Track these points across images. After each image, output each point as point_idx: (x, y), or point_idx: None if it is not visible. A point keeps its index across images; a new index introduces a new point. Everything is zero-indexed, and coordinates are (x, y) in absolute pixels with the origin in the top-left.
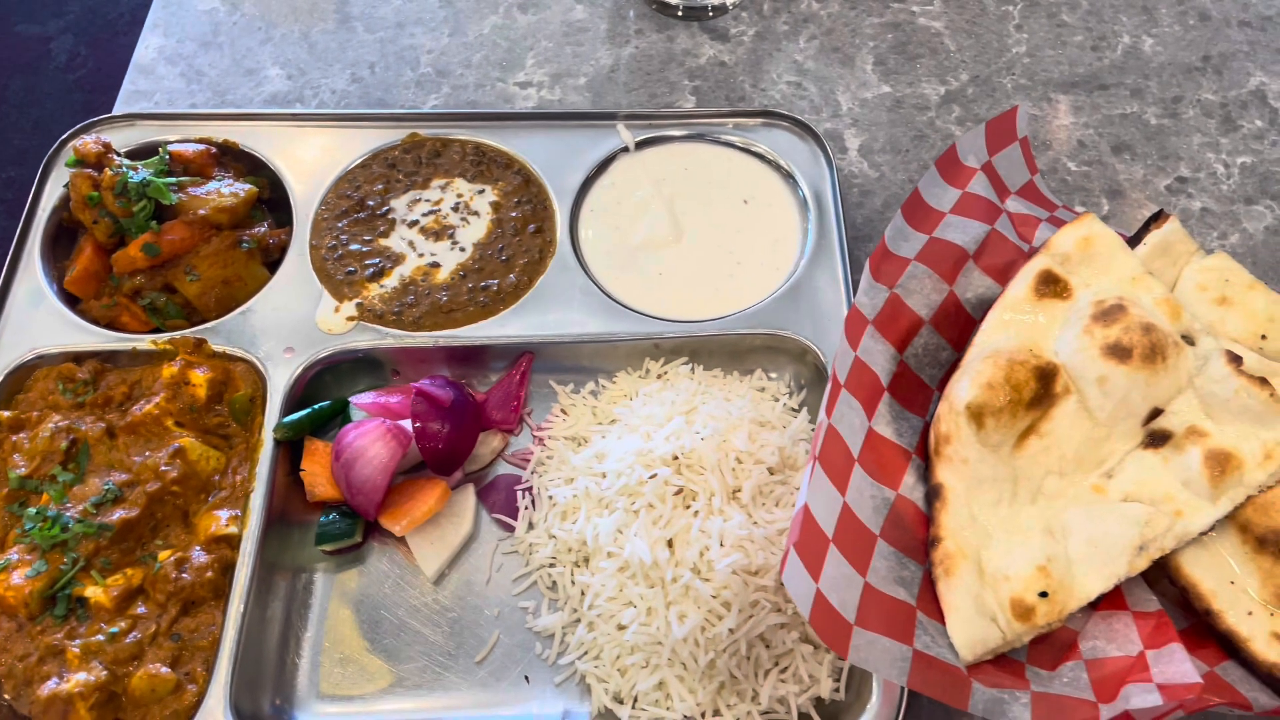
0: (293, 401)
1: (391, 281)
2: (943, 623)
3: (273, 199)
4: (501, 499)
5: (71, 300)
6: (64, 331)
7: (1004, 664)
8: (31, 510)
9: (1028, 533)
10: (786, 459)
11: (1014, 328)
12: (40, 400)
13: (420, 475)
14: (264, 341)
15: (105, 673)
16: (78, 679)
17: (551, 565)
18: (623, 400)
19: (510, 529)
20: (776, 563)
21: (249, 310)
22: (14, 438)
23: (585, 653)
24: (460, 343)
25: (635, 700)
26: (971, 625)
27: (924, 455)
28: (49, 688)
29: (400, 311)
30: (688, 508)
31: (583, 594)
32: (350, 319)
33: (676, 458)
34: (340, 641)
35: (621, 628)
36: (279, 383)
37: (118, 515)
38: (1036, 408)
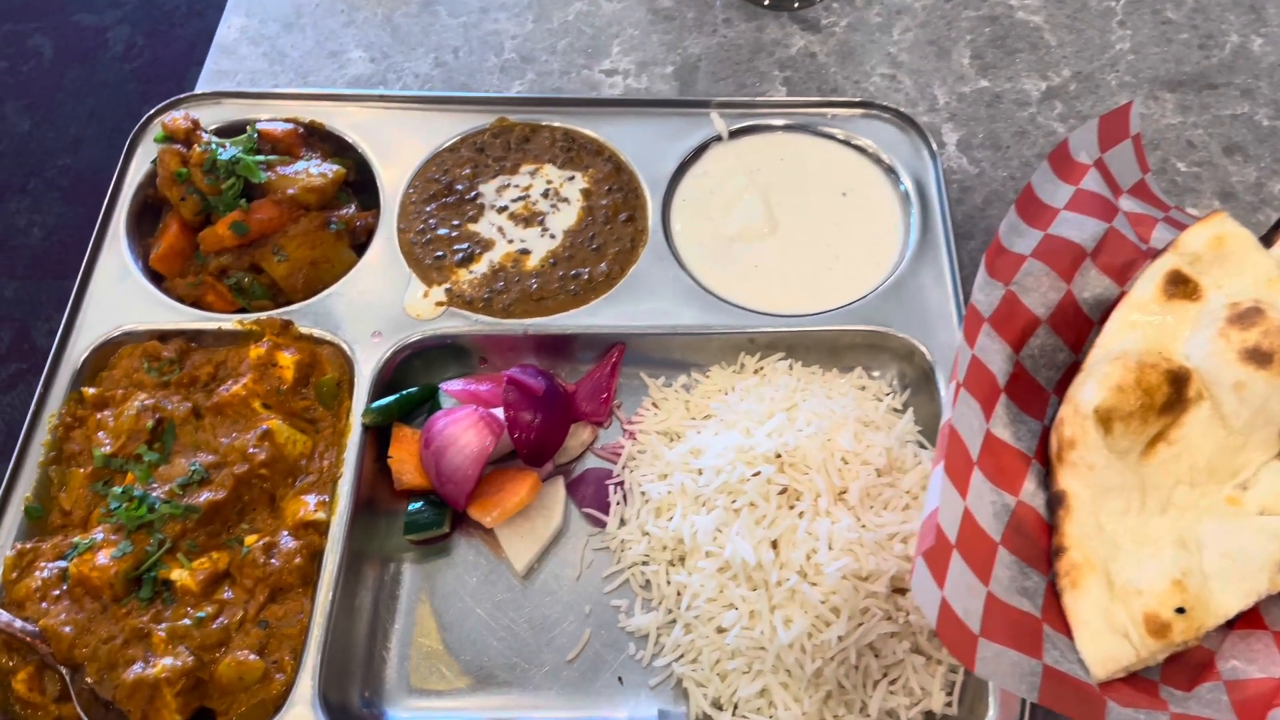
0: (380, 387)
1: (481, 267)
2: (1070, 636)
3: (358, 182)
4: (591, 493)
5: (155, 278)
6: (149, 309)
7: (1137, 683)
8: (117, 490)
9: (1158, 545)
10: (894, 461)
11: (1141, 329)
12: (124, 378)
13: (510, 466)
14: (351, 325)
15: (192, 658)
16: (164, 664)
17: (645, 563)
18: (717, 395)
19: (600, 524)
20: (887, 569)
21: (336, 293)
22: (98, 415)
23: (682, 655)
24: (551, 331)
25: (736, 707)
26: (1102, 641)
27: (1044, 460)
28: (134, 672)
29: (490, 298)
30: (792, 508)
31: (679, 594)
32: (439, 304)
33: (779, 455)
34: (427, 635)
35: (722, 631)
36: (367, 367)
37: (204, 497)
38: (1168, 413)
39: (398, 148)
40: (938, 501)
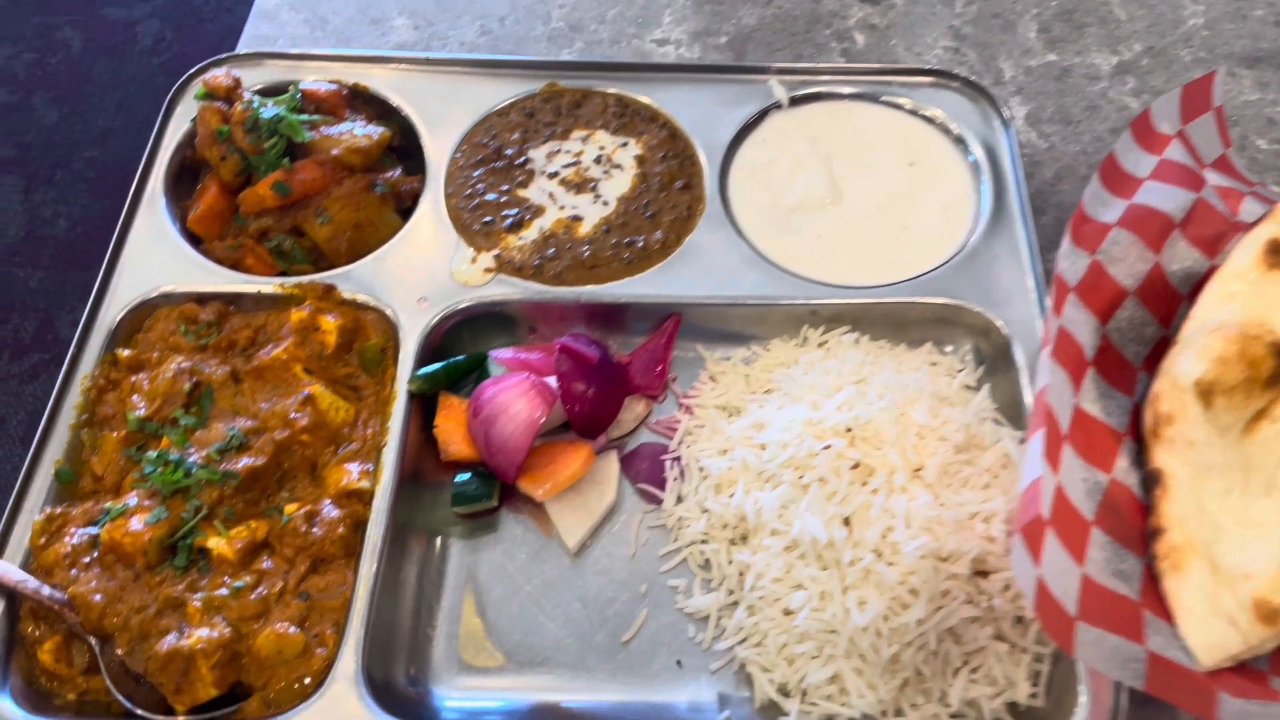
0: (426, 355)
1: (531, 234)
2: (1171, 622)
3: (402, 148)
4: (646, 468)
5: (193, 241)
6: (187, 271)
7: (1246, 672)
8: (152, 454)
9: (1265, 526)
10: (972, 437)
11: (1240, 300)
12: (160, 341)
13: (561, 438)
14: (396, 291)
15: (229, 630)
16: (200, 635)
17: (704, 541)
18: (779, 369)
19: (656, 501)
20: (969, 549)
21: (381, 258)
22: (133, 378)
23: (745, 638)
24: (604, 300)
25: (804, 693)
26: (1208, 627)
27: (1136, 437)
28: (168, 643)
29: (540, 264)
30: (864, 484)
31: (741, 574)
32: (488, 270)
33: (850, 430)
34: (475, 612)
35: (789, 613)
36: (412, 334)
37: (243, 463)
38: (1273, 388)
39: (444, 112)
40: (1033, 474)
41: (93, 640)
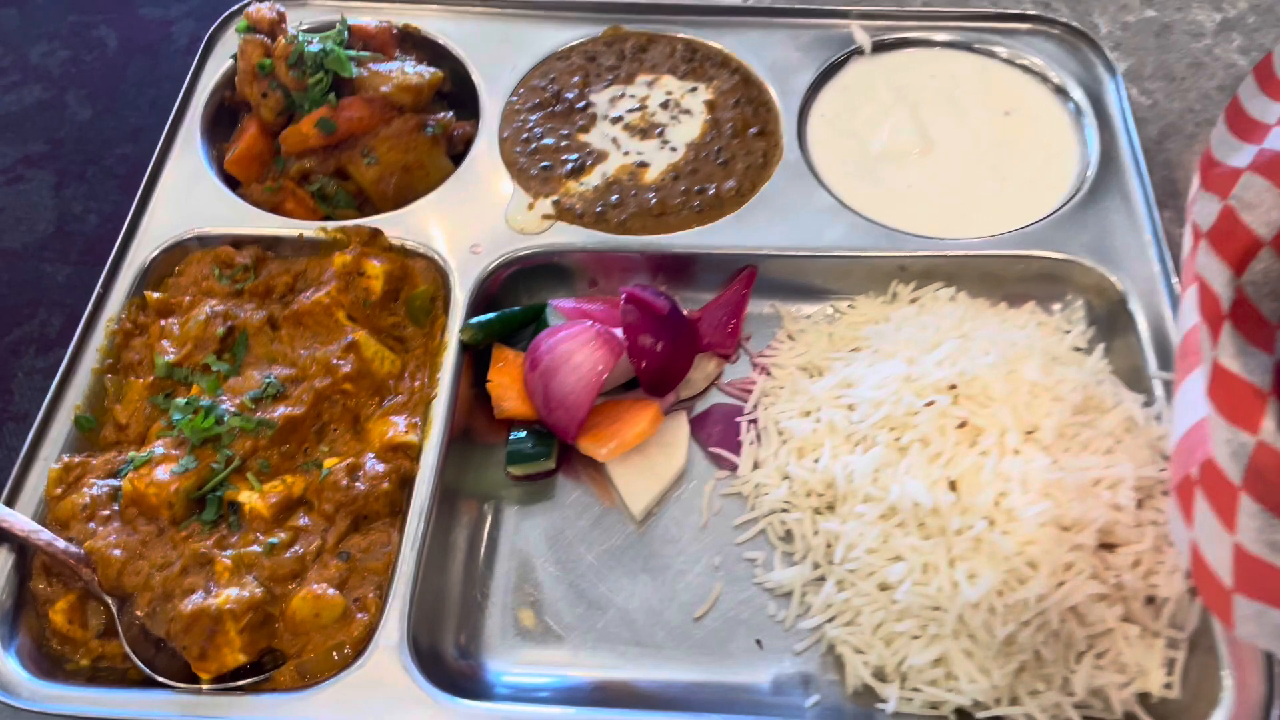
0: (479, 306)
1: (593, 179)
2: None
3: (453, 95)
4: (719, 432)
5: (230, 185)
6: (223, 214)
7: None
8: (181, 401)
9: None
10: (1091, 399)
11: None
12: (192, 286)
13: (625, 397)
14: (447, 237)
15: (261, 590)
16: (229, 594)
17: (785, 510)
18: (868, 326)
19: (730, 467)
20: (1095, 517)
21: (431, 203)
22: (162, 323)
23: (835, 616)
24: (673, 250)
25: (904, 678)
26: None
27: None
28: (193, 602)
29: (603, 211)
30: (973, 445)
31: (829, 545)
32: (546, 217)
33: (953, 387)
34: (531, 582)
35: (885, 587)
36: (464, 283)
37: (280, 412)
38: None
39: (499, 56)
40: (1193, 416)
41: (110, 600)
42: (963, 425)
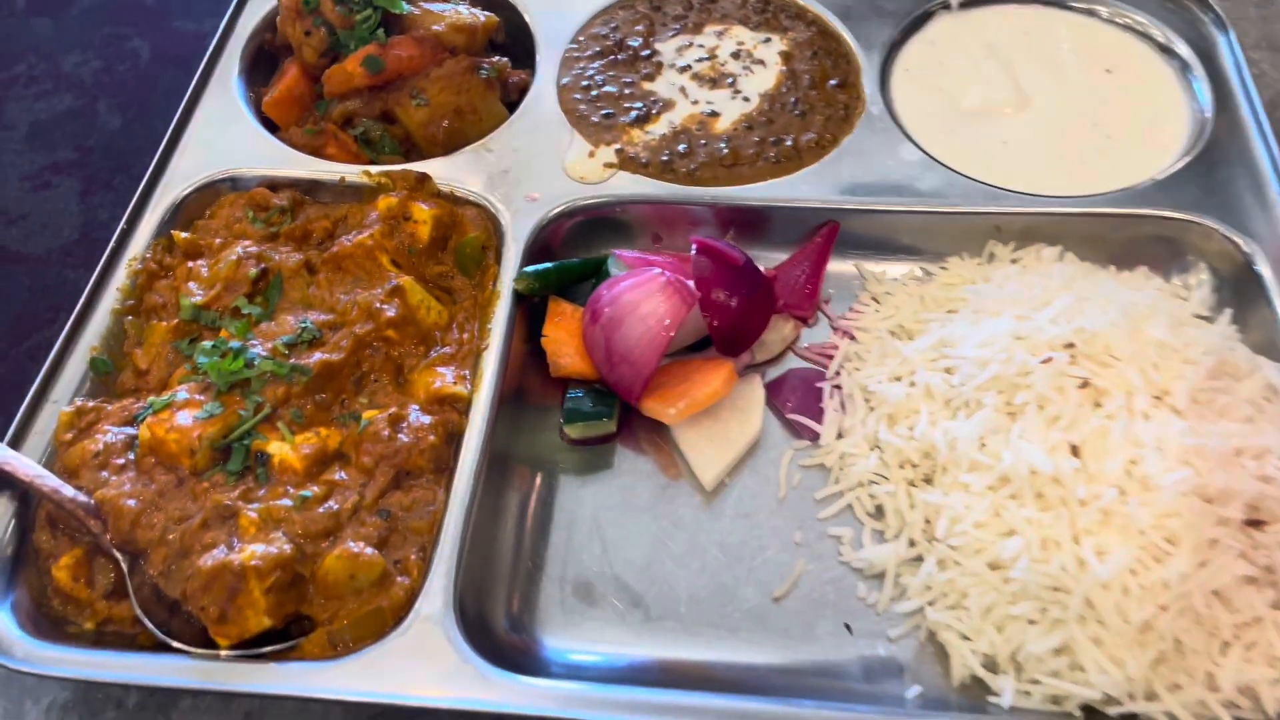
0: (534, 258)
1: (659, 128)
2: None
3: (505, 48)
4: (797, 398)
5: (268, 129)
6: (259, 155)
7: None
8: (207, 343)
9: None
10: (1224, 364)
11: None
12: (223, 230)
13: (693, 357)
14: (501, 185)
15: (290, 546)
16: (254, 550)
17: (874, 482)
18: (965, 286)
19: (810, 435)
20: (1242, 489)
21: (483, 149)
22: (190, 265)
23: (936, 599)
24: (747, 202)
25: (1021, 668)
26: None
27: None
28: (214, 557)
29: (670, 160)
30: (1097, 406)
31: (928, 520)
32: (608, 166)
33: (1071, 345)
34: (590, 553)
35: (997, 566)
36: (519, 233)
37: (316, 358)
38: None
39: (555, 3)
40: None
41: (120, 556)
42: (1084, 386)
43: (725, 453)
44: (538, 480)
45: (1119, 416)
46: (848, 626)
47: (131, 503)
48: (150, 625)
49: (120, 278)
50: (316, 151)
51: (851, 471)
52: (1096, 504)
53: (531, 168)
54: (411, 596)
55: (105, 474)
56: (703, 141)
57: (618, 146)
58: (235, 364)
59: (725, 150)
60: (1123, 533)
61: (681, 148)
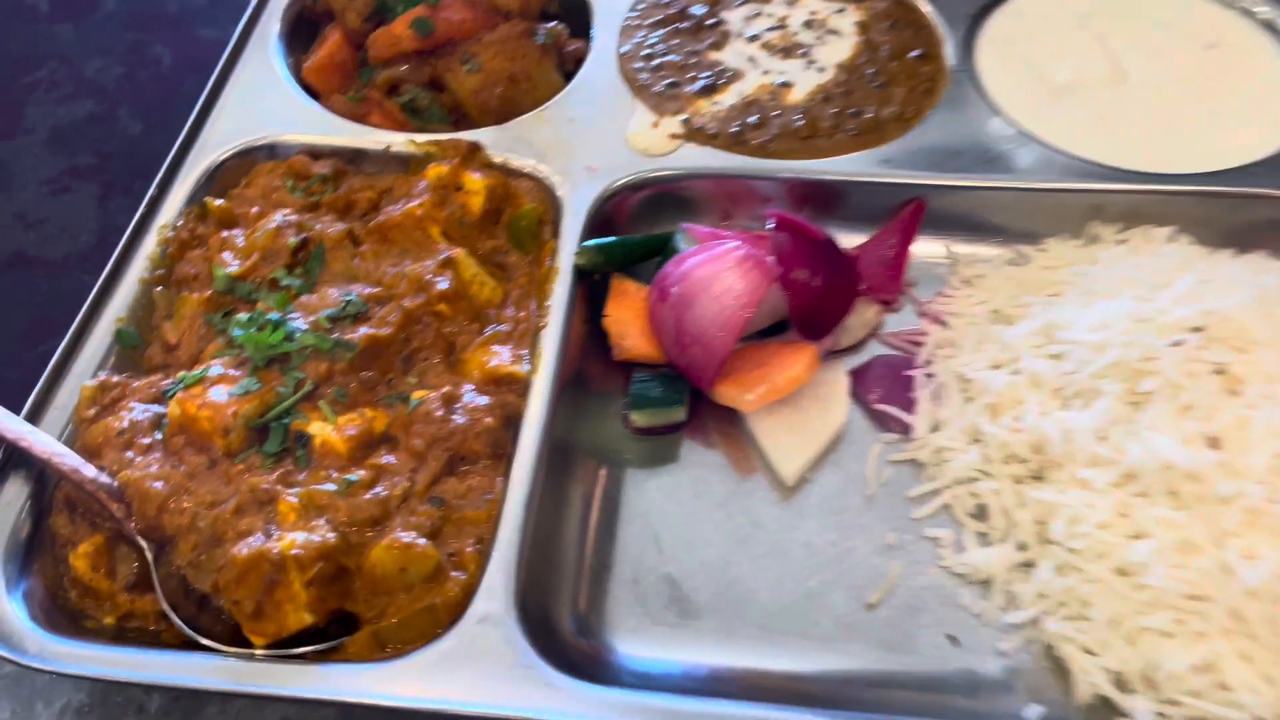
0: (593, 233)
1: (728, 98)
2: None
3: (560, 16)
4: (885, 387)
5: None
6: (299, 121)
7: None
8: (243, 316)
9: None
10: None
11: None
12: (260, 199)
13: (771, 340)
14: (558, 156)
15: (334, 535)
16: (294, 538)
17: (975, 480)
18: (1064, 269)
19: (900, 428)
20: None
21: (539, 118)
22: (224, 234)
23: (1054, 608)
24: (825, 177)
25: (1157, 686)
26: None
27: None
28: (250, 545)
29: (740, 132)
30: (1234, 394)
31: (1041, 521)
32: (674, 137)
33: (1199, 329)
34: (661, 552)
35: (1125, 572)
36: (578, 206)
37: (362, 333)
38: None
39: None
40: None
41: (144, 544)
42: (1219, 372)
43: (807, 444)
44: (600, 471)
45: (1261, 405)
46: (952, 638)
47: (158, 485)
48: (177, 620)
49: (149, 246)
50: (359, 120)
51: (949, 467)
52: (1241, 502)
53: (590, 139)
54: (468, 593)
55: (130, 454)
56: (776, 113)
57: (684, 117)
58: (274, 337)
59: (800, 122)
60: (1272, 534)
61: (753, 119)
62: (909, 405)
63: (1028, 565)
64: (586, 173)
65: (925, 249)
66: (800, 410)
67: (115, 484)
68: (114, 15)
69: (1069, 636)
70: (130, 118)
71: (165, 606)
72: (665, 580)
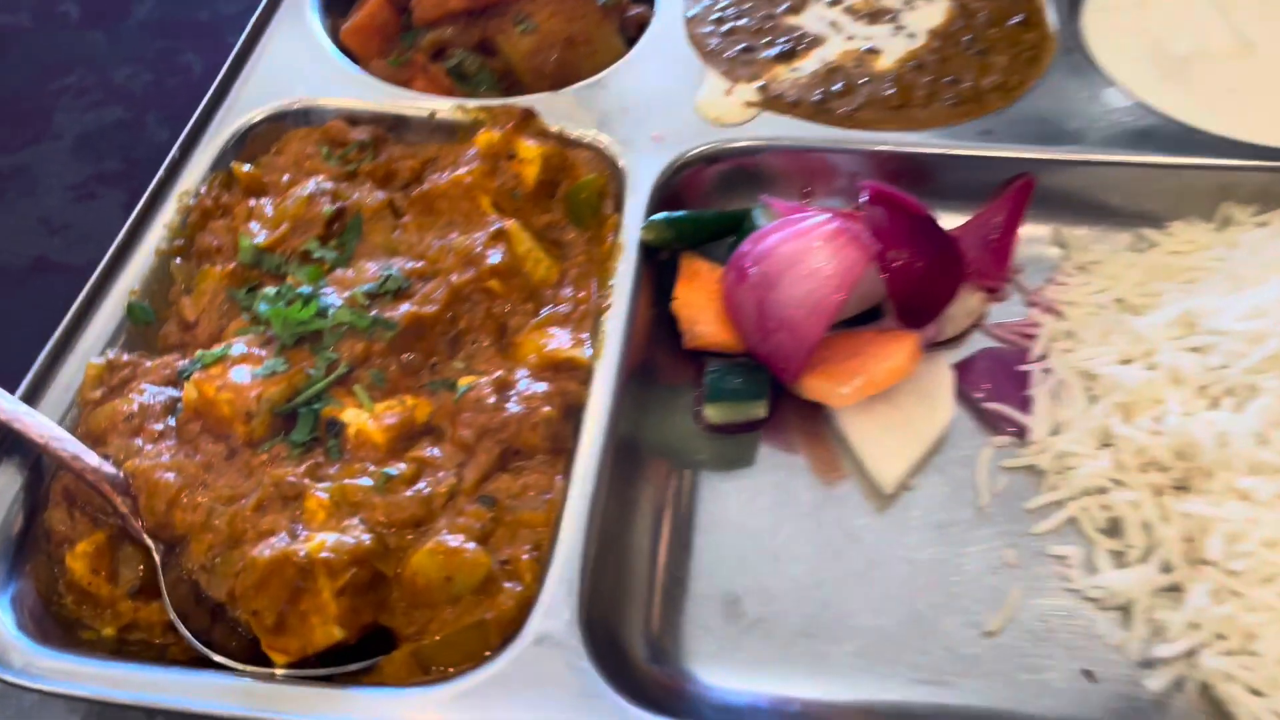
0: (660, 207)
1: (809, 64)
2: None
3: None
4: (994, 383)
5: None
6: (336, 84)
7: None
8: (270, 290)
9: None
10: None
11: None
12: (292, 166)
13: (864, 328)
14: (620, 125)
15: (369, 537)
16: (324, 539)
17: (1106, 490)
18: (1195, 253)
19: (1014, 430)
20: None
21: (598, 85)
22: (252, 203)
23: (1210, 640)
24: (920, 150)
25: None
26: None
27: None
28: (273, 546)
29: (824, 100)
30: None
31: (1189, 539)
32: (749, 105)
33: None
34: (742, 568)
35: None
36: (643, 178)
37: (404, 310)
38: None
39: None
40: None
41: (152, 544)
42: None
43: (908, 447)
44: (671, 472)
45: None
46: (1087, 673)
47: (170, 476)
48: (186, 633)
49: (169, 214)
50: (402, 86)
51: (1075, 476)
52: None
53: (656, 106)
54: (524, 608)
55: (139, 441)
56: (863, 80)
57: (760, 84)
58: (305, 312)
59: (891, 91)
60: None
61: (837, 87)
62: (1023, 404)
63: (1173, 589)
64: (652, 142)
65: (1030, 232)
66: (899, 408)
67: (120, 474)
68: (145, 23)
69: (1231, 674)
70: (158, 125)
71: (173, 616)
72: (749, 598)
